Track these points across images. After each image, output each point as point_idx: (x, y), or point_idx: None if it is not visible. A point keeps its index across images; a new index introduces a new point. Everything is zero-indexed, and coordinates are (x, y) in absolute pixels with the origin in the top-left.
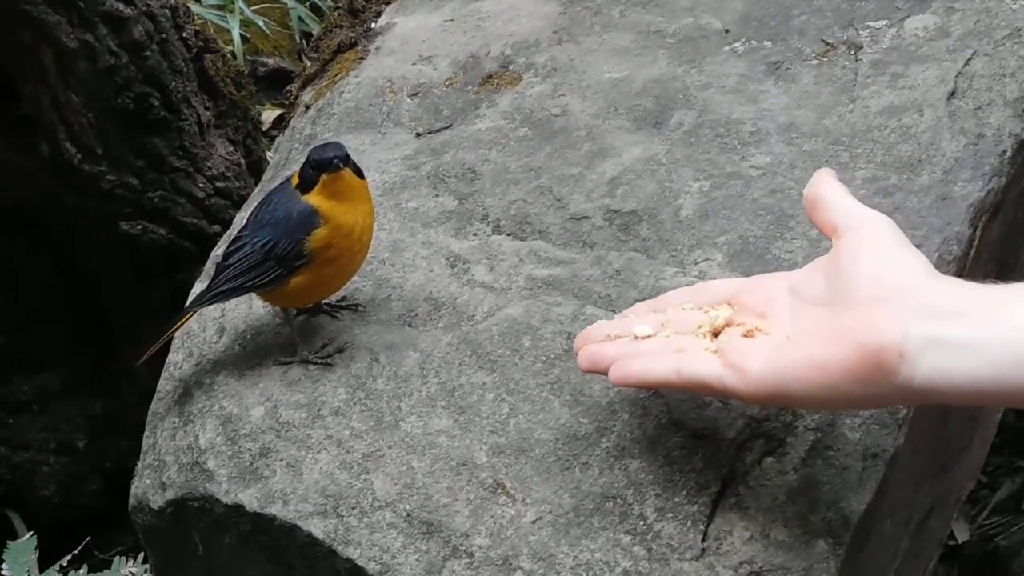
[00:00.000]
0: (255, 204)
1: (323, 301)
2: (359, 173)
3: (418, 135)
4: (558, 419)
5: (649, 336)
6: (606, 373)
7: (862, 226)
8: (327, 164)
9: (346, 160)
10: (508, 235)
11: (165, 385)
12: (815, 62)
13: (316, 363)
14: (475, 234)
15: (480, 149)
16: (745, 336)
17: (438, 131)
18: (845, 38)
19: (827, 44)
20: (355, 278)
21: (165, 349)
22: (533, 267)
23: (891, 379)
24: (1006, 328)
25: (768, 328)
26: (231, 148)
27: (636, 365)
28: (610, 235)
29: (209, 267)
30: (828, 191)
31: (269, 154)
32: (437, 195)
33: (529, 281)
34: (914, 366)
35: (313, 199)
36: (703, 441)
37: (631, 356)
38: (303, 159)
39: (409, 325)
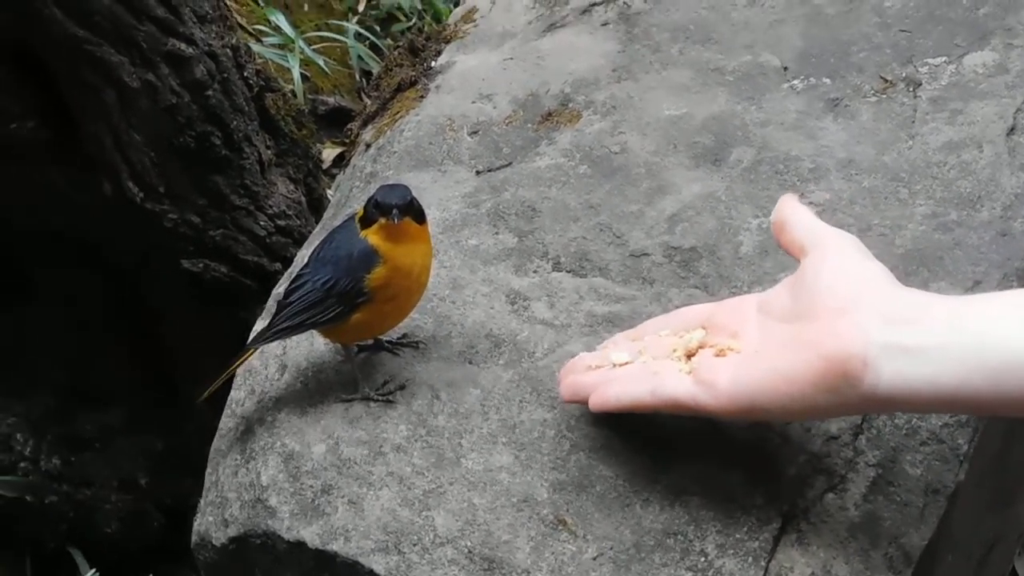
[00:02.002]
0: (317, 242)
1: (384, 338)
2: (421, 215)
3: (478, 173)
4: (618, 455)
5: (626, 363)
6: (584, 401)
7: (825, 242)
8: (387, 211)
9: (407, 209)
10: (568, 272)
11: (227, 422)
12: (874, 99)
13: (377, 400)
14: (535, 271)
15: (540, 186)
16: (717, 355)
17: (498, 169)
18: (904, 75)
19: (886, 81)
20: (415, 316)
21: (227, 386)
22: (593, 304)
23: (856, 387)
24: (966, 333)
25: (739, 347)
26: (292, 186)
27: (613, 390)
28: (670, 272)
29: (270, 304)
30: (793, 213)
31: (330, 192)
32: (497, 232)
33: (589, 318)
34: (877, 373)
35: (373, 239)
36: (763, 477)
37: (608, 382)
38: (365, 197)
39: (470, 362)
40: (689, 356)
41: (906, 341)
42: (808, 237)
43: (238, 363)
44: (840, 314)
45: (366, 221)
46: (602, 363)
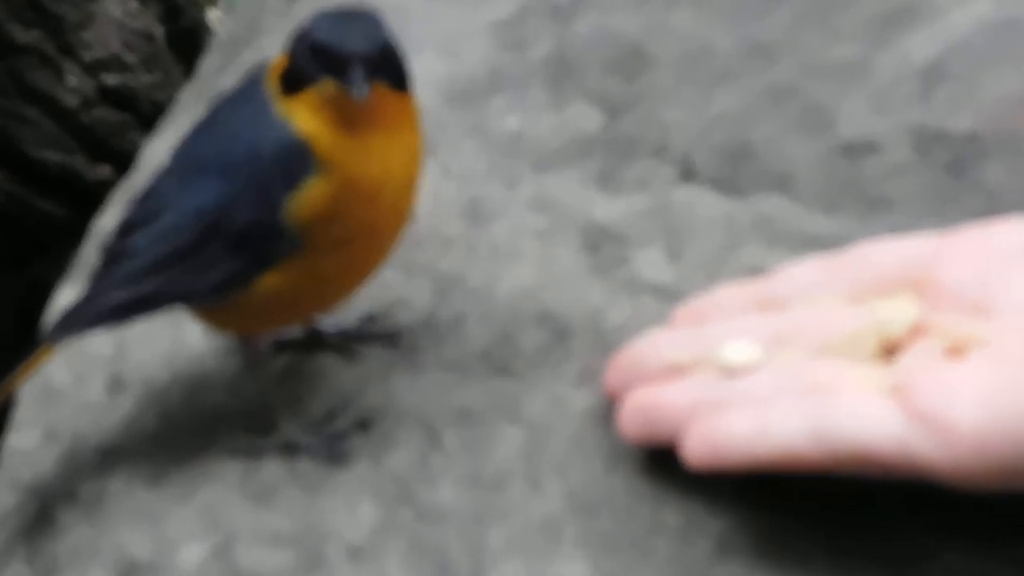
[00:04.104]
0: (188, 125)
1: (329, 326)
2: (402, 74)
3: None
4: (816, 564)
5: (753, 364)
6: (673, 446)
7: None
8: (340, 67)
9: (380, 63)
10: (710, 185)
11: (2, 498)
12: None
13: (315, 452)
14: (641, 184)
15: (652, 7)
16: (949, 356)
17: None
18: None
19: None
20: (394, 277)
21: (3, 422)
22: (762, 251)
23: None
24: None
25: (992, 336)
26: (134, 3)
27: (737, 427)
28: (923, 185)
29: (91, 254)
30: None
31: (214, 17)
32: (562, 104)
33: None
34: None
35: (305, 118)
36: None
37: (721, 409)
38: (287, 30)
39: (504, 371)
40: (888, 353)
41: None
42: None
43: (21, 374)
44: None
45: (291, 82)
46: (698, 357)
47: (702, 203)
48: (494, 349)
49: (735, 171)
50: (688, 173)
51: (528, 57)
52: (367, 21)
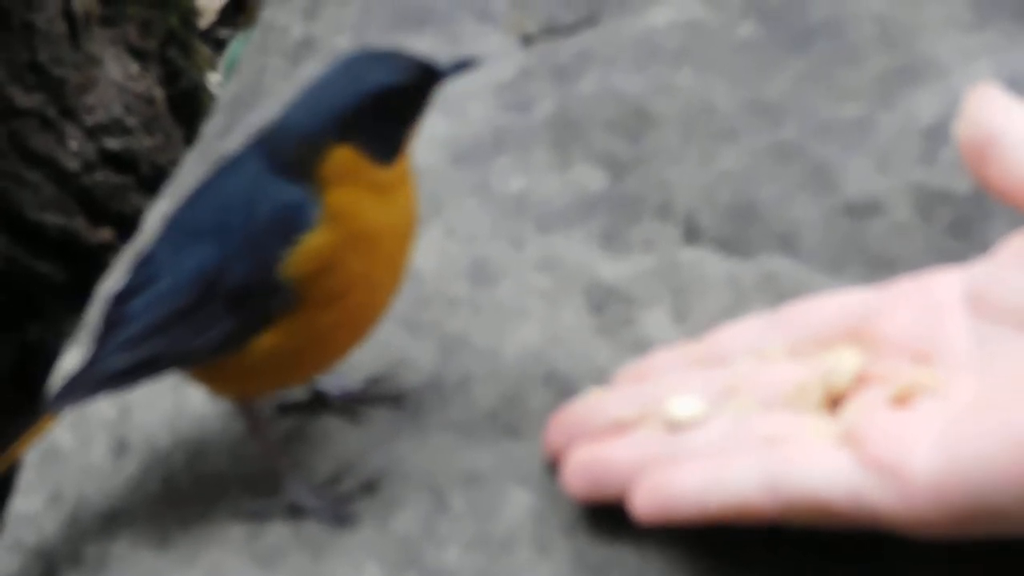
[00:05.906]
0: (191, 186)
1: (332, 387)
2: None
3: (527, 40)
4: None
5: (699, 418)
6: (620, 502)
7: None
8: None
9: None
10: (714, 245)
11: (6, 561)
12: None
13: (321, 515)
14: (646, 243)
15: (656, 67)
16: (895, 404)
17: (569, 31)
18: None
19: None
20: (397, 336)
21: (6, 487)
22: (767, 311)
23: None
24: None
25: (938, 383)
26: (135, 67)
27: (687, 481)
28: (927, 244)
29: (93, 318)
30: (1010, 123)
31: (214, 79)
32: (566, 164)
33: None
34: None
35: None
36: None
37: (670, 463)
38: (290, 89)
39: (511, 432)
40: (834, 403)
41: None
42: None
43: (25, 439)
44: None
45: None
46: (644, 412)
47: (707, 263)
48: (501, 410)
49: (740, 231)
50: (693, 233)
51: (531, 117)
52: (387, 61)
